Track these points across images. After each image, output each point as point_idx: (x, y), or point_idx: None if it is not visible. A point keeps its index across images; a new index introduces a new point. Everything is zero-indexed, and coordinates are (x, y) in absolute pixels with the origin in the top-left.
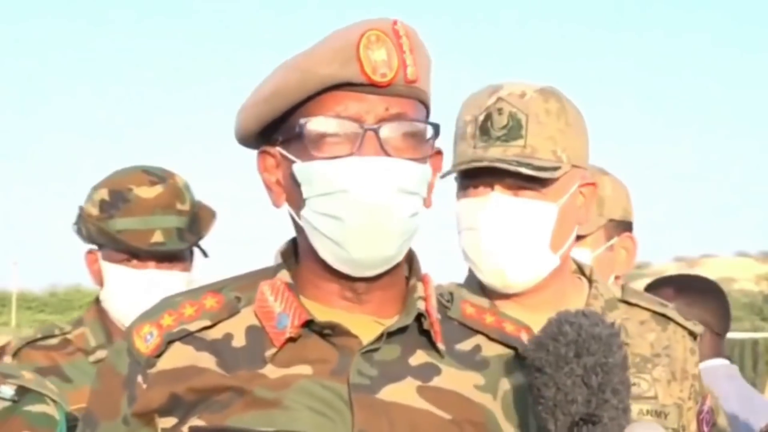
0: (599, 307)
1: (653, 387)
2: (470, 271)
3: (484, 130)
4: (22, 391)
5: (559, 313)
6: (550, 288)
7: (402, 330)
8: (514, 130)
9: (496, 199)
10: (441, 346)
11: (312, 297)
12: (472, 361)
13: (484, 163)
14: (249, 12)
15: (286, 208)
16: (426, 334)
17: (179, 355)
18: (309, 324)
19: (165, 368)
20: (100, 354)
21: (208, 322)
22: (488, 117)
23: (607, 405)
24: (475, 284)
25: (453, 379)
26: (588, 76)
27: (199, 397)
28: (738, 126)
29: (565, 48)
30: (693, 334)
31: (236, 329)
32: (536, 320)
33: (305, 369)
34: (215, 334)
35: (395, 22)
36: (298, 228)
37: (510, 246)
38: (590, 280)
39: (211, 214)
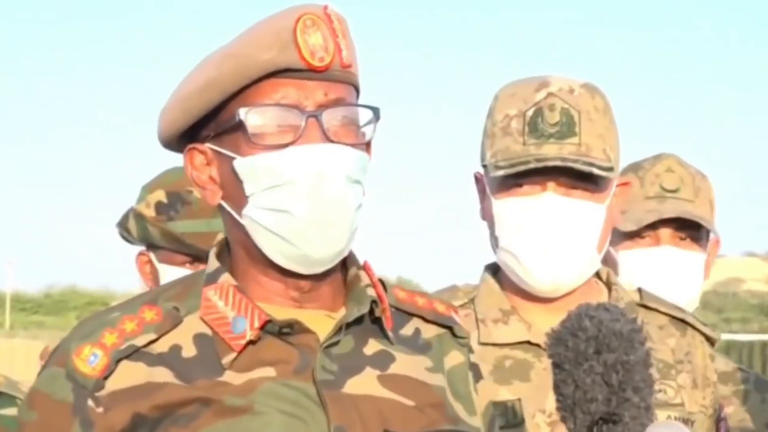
0: None
1: (679, 394)
2: (490, 272)
3: (534, 126)
4: None
5: (579, 306)
6: (577, 291)
7: (359, 320)
8: (567, 128)
9: (550, 199)
10: (390, 333)
11: (257, 298)
12: (416, 345)
13: (555, 162)
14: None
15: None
16: (376, 322)
17: (131, 373)
18: (265, 325)
19: (118, 388)
20: None
21: (153, 336)
22: (539, 112)
23: (628, 404)
24: (500, 285)
25: (407, 364)
26: (588, 75)
27: (164, 414)
28: (745, 125)
29: (564, 46)
30: (711, 340)
31: (183, 340)
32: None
33: (267, 371)
34: (161, 347)
35: (326, 7)
36: (236, 227)
37: (565, 247)
38: (608, 284)
39: None
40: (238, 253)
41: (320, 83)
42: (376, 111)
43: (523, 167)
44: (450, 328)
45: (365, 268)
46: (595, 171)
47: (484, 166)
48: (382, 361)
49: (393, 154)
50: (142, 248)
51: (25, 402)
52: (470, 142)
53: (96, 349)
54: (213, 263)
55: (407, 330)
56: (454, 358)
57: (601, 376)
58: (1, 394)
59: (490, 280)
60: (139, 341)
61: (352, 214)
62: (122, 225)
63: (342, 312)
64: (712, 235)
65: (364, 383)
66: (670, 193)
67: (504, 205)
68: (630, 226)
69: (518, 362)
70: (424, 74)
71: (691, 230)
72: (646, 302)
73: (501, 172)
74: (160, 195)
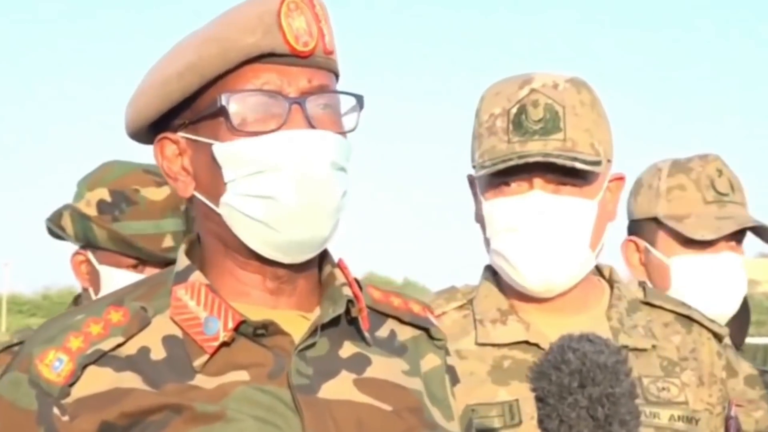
0: (622, 308)
1: (683, 392)
2: (489, 273)
3: (518, 123)
4: None
5: (561, 337)
6: (575, 290)
7: (335, 321)
8: (551, 123)
9: (538, 197)
10: (367, 334)
11: (231, 295)
12: (392, 347)
13: (537, 158)
14: None
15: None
16: (352, 323)
17: (97, 379)
18: (239, 326)
19: (84, 395)
20: None
21: (120, 339)
22: (522, 110)
23: None
24: (499, 286)
25: (383, 367)
26: (589, 73)
27: (133, 421)
28: (758, 124)
29: (564, 46)
30: (718, 336)
31: (151, 341)
32: (560, 323)
33: (241, 375)
34: (129, 350)
35: None
36: (210, 219)
37: (555, 246)
38: (610, 282)
39: None
40: (212, 246)
41: (303, 69)
42: (359, 99)
43: (504, 165)
44: (426, 330)
45: (340, 266)
46: (578, 165)
47: (474, 168)
48: (359, 364)
49: (406, 154)
50: (77, 247)
51: None
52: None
53: (61, 353)
54: (183, 261)
55: (383, 332)
56: (431, 361)
57: (586, 410)
58: None
59: (489, 281)
60: (106, 345)
61: (337, 200)
62: (54, 221)
63: (317, 312)
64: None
65: (340, 388)
66: (725, 197)
67: (492, 206)
68: (708, 234)
69: (517, 362)
70: (435, 71)
71: (740, 235)
72: (650, 299)
73: (484, 171)
74: (102, 193)
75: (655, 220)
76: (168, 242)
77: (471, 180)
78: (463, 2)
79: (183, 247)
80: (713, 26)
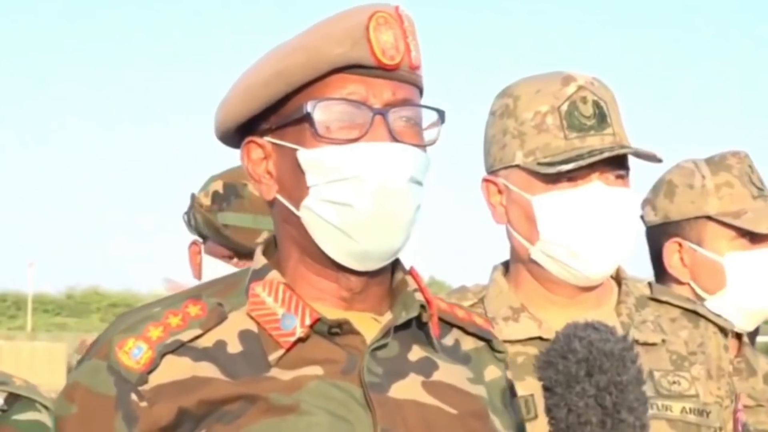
0: (631, 304)
1: (693, 385)
2: (500, 272)
3: (571, 120)
4: (12, 399)
5: (567, 326)
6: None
7: (407, 324)
8: (600, 119)
9: (600, 188)
10: (435, 340)
11: (305, 296)
12: (457, 355)
13: (617, 151)
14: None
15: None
16: (421, 328)
17: (175, 368)
18: (316, 323)
19: (163, 382)
20: None
21: (198, 331)
22: (573, 106)
23: (623, 425)
24: (509, 284)
25: (450, 373)
26: (590, 71)
27: (209, 409)
28: (758, 125)
29: (564, 42)
30: (724, 331)
31: (228, 336)
32: (571, 320)
33: (315, 370)
34: (206, 342)
35: (398, 7)
36: (290, 223)
37: (614, 233)
38: (618, 279)
39: None
40: (289, 250)
41: (388, 82)
42: (441, 114)
43: (590, 159)
44: (488, 342)
45: (412, 273)
46: (642, 158)
47: (513, 166)
48: (426, 367)
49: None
50: (198, 239)
51: (63, 395)
52: None
53: (140, 342)
54: (260, 260)
55: (448, 340)
56: (493, 372)
57: (594, 399)
58: (20, 397)
59: (500, 280)
60: (185, 336)
61: (412, 213)
62: (187, 213)
63: (388, 316)
64: None
65: (409, 388)
66: (763, 192)
67: (547, 199)
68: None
69: (531, 358)
70: (479, 72)
71: None
72: (656, 295)
73: (565, 167)
74: (218, 185)
75: (705, 219)
76: (264, 238)
77: (491, 182)
78: (460, 2)
79: (260, 248)
80: (712, 26)
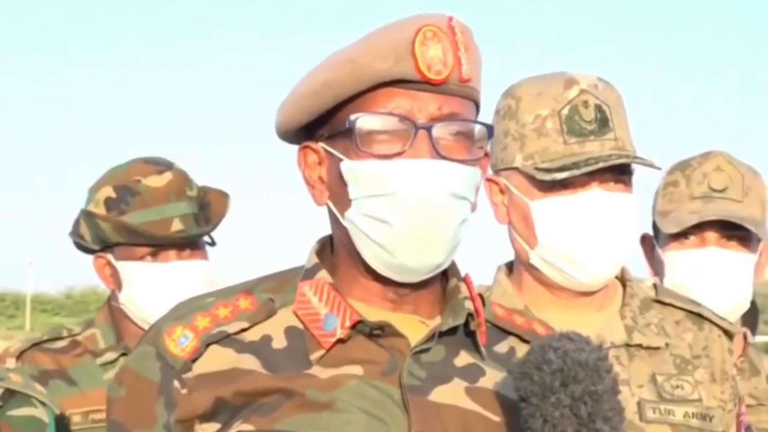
0: (635, 307)
1: (696, 389)
2: (504, 273)
3: (572, 124)
4: (8, 395)
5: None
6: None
7: (453, 330)
8: (602, 123)
9: (598, 195)
10: (483, 348)
11: (354, 297)
12: (509, 363)
13: (613, 161)
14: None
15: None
16: (470, 335)
17: (218, 358)
18: (356, 325)
19: (205, 372)
20: (109, 356)
21: (245, 324)
22: (574, 110)
23: None
24: (517, 284)
25: (497, 380)
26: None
27: (246, 401)
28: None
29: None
30: (728, 334)
31: (274, 331)
32: (575, 322)
33: (355, 369)
34: (252, 336)
35: (451, 18)
36: (340, 227)
37: (612, 240)
38: (623, 280)
39: (224, 197)
40: (341, 252)
41: (435, 96)
42: (490, 129)
43: (588, 168)
44: None
45: (466, 281)
46: (641, 164)
47: (511, 169)
48: (472, 373)
49: None
50: (97, 251)
51: (115, 379)
52: None
53: (187, 331)
54: (312, 259)
55: (501, 347)
56: None
57: (569, 409)
58: (16, 393)
59: (504, 281)
60: (231, 328)
61: (454, 229)
62: (75, 232)
63: (437, 320)
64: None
65: (451, 393)
66: (718, 193)
67: (546, 204)
68: (672, 228)
69: None
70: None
71: (740, 231)
72: (661, 298)
73: (560, 175)
74: (107, 191)
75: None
76: (177, 225)
77: (495, 181)
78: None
79: (314, 247)
80: (712, 26)
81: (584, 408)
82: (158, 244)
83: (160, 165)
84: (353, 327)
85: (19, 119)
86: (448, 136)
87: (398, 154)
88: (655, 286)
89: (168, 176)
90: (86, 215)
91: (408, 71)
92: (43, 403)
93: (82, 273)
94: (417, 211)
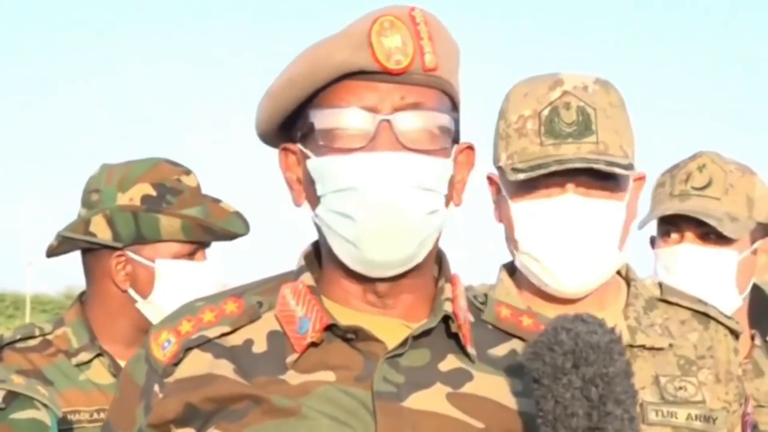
0: (640, 306)
1: (700, 391)
2: (506, 273)
3: (550, 126)
4: (11, 397)
5: (556, 318)
6: (596, 289)
7: (427, 333)
8: (584, 126)
9: (572, 200)
10: (471, 350)
11: (337, 300)
12: (507, 366)
13: (577, 164)
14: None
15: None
16: (455, 337)
17: (197, 363)
18: (331, 328)
19: (183, 377)
20: (83, 356)
21: (227, 328)
22: (554, 112)
23: (610, 417)
24: (518, 285)
25: (486, 385)
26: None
27: (216, 407)
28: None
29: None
30: (735, 333)
31: (257, 335)
32: None
33: (328, 375)
34: (235, 340)
35: (412, 9)
36: (316, 227)
37: (588, 249)
38: (627, 279)
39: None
40: (324, 254)
41: (397, 86)
42: (455, 119)
43: (544, 170)
44: None
45: (452, 281)
46: (617, 170)
47: (499, 168)
48: (457, 378)
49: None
50: (117, 249)
51: (118, 381)
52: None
53: (171, 335)
54: (299, 261)
55: (500, 350)
56: None
57: (580, 391)
58: (19, 395)
59: (507, 281)
60: (212, 332)
61: (419, 221)
62: (81, 230)
63: (422, 323)
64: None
65: (430, 399)
66: (696, 191)
67: (522, 208)
68: (644, 226)
69: None
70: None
71: (707, 227)
72: (666, 297)
73: (521, 176)
74: (144, 188)
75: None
76: (238, 223)
77: (492, 179)
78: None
79: (305, 250)
80: (713, 26)
81: (595, 390)
82: (207, 241)
83: (182, 167)
84: (325, 330)
85: (19, 119)
86: (413, 128)
87: (360, 148)
88: (660, 285)
89: (195, 177)
90: (117, 212)
91: (366, 61)
92: (45, 405)
93: (80, 274)
94: (378, 204)
